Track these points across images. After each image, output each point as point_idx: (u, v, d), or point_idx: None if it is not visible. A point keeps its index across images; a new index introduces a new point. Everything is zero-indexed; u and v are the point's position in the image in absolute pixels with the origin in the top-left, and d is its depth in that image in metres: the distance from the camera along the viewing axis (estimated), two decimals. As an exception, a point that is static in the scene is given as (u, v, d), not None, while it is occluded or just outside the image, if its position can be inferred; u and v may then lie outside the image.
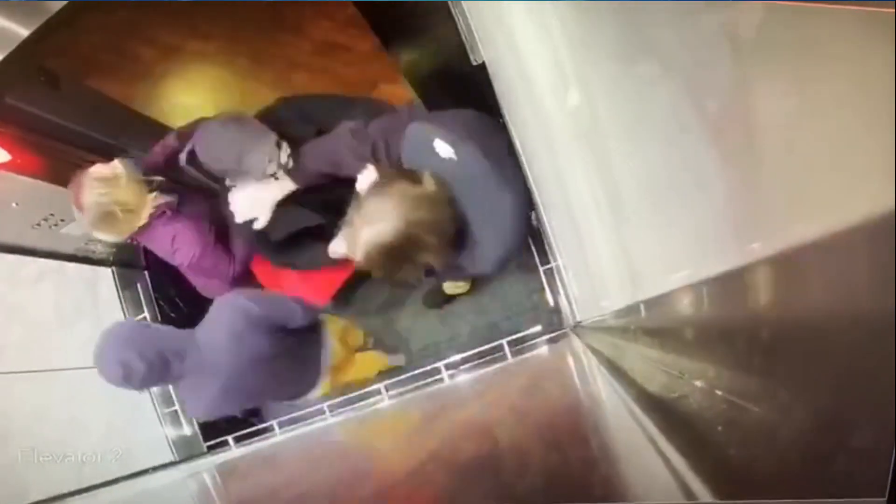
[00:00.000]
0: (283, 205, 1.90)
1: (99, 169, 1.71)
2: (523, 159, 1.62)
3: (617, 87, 0.74)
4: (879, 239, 0.28)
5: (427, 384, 2.01)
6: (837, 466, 0.34)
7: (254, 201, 1.88)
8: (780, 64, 0.36)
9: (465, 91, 1.80)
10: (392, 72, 2.34)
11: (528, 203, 1.53)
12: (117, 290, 2.44)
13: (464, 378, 1.83)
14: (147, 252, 2.44)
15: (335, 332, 2.13)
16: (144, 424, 2.35)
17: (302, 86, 2.93)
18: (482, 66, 1.87)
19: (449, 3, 1.81)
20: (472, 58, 1.94)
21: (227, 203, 1.92)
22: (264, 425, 2.49)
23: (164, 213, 1.87)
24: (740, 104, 0.44)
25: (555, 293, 2.05)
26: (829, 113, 0.33)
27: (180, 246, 1.92)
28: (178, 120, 2.77)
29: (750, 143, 0.44)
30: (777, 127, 0.39)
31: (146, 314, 2.47)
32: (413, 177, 1.40)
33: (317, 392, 2.05)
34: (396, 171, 1.48)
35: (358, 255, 1.38)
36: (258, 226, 1.91)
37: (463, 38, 1.90)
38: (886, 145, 0.26)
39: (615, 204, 0.93)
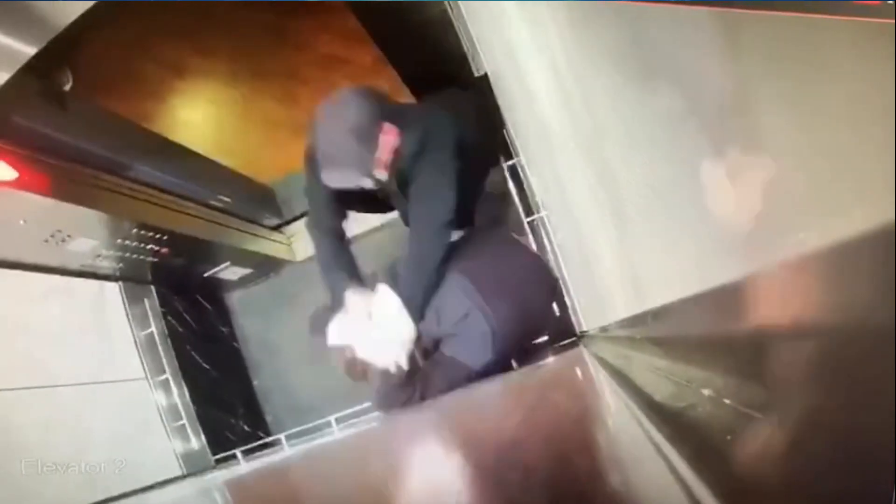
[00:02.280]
0: None
1: None
2: (528, 173, 1.62)
3: (617, 96, 0.74)
4: (881, 250, 0.28)
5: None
6: (842, 477, 0.34)
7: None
8: (782, 73, 0.36)
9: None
10: (394, 84, 2.35)
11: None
12: (124, 306, 2.45)
13: (470, 388, 1.82)
14: (154, 267, 2.46)
15: None
16: (152, 438, 2.35)
17: (305, 99, 2.95)
18: (484, 77, 1.89)
19: (450, 14, 1.83)
20: (473, 69, 1.96)
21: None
22: (272, 438, 2.49)
23: None
24: (742, 113, 0.44)
25: (560, 303, 2.05)
26: (831, 123, 0.33)
27: None
28: (183, 136, 2.79)
29: (752, 153, 0.44)
30: (778, 136, 0.39)
31: (153, 329, 2.47)
32: None
33: None
34: None
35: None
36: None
37: (465, 49, 1.91)
38: (887, 156, 0.26)
39: (619, 213, 0.93)
